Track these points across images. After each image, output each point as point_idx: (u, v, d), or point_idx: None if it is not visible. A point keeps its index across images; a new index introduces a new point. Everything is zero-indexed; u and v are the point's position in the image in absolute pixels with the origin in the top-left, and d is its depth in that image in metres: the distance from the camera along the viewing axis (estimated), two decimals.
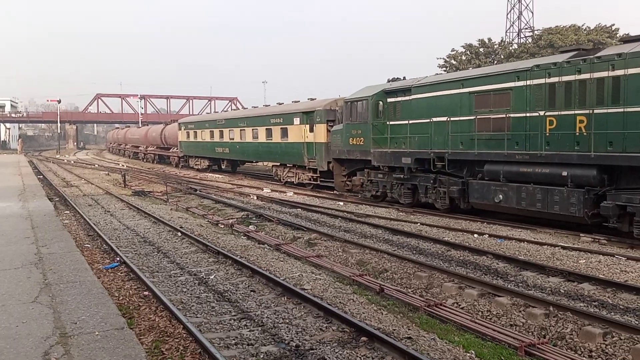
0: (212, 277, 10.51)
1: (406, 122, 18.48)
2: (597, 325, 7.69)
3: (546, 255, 11.71)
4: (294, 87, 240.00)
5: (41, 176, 36.14)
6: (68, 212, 19.74)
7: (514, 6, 64.92)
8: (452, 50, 55.74)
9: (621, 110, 12.36)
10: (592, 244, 12.93)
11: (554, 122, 13.84)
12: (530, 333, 7.91)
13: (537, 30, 58.58)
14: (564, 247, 12.24)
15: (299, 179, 27.36)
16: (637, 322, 7.86)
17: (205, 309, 8.61)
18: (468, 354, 6.79)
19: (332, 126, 23.79)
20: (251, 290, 9.57)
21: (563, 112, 13.61)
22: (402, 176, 18.91)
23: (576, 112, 13.32)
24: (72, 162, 55.77)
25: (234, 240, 14.14)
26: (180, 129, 44.20)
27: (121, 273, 10.80)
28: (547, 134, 13.95)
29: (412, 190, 19.03)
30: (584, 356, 7.11)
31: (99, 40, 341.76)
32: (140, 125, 73.93)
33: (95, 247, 13.38)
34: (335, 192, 23.95)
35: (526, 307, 8.61)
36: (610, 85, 12.64)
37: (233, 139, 34.57)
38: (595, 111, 12.81)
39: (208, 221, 17.75)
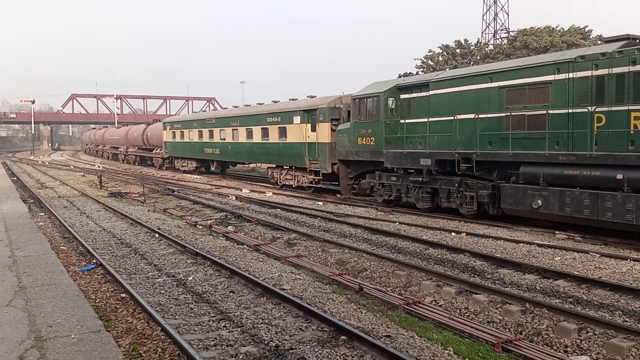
0: (190, 278, 10.44)
1: (423, 120, 17.14)
2: (572, 321, 7.81)
3: (522, 252, 11.88)
4: (272, 88, 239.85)
5: (15, 178, 35.52)
6: (43, 214, 19.43)
7: (489, 8, 65.77)
8: (429, 51, 56.26)
9: None
10: (567, 241, 13.15)
11: (603, 119, 12.50)
12: (507, 329, 8.00)
13: (512, 31, 59.38)
14: (539, 245, 12.42)
15: (298, 181, 25.59)
16: (611, 318, 8.01)
17: (184, 311, 8.55)
18: (446, 351, 6.85)
19: (336, 125, 22.15)
20: (230, 291, 9.53)
21: (614, 108, 12.29)
22: (420, 179, 17.42)
23: (630, 107, 12.02)
24: (47, 163, 54.89)
25: (213, 241, 14.06)
26: (165, 129, 41.91)
27: (98, 275, 10.67)
28: (596, 132, 12.58)
29: (432, 194, 17.59)
30: (559, 351, 7.22)
31: (74, 41, 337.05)
32: (120, 126, 72.16)
33: (71, 250, 13.18)
34: (337, 196, 22.70)
35: (503, 304, 8.72)
36: None
37: (224, 139, 32.54)
38: None
39: (186, 222, 17.62)
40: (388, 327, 7.65)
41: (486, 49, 57.14)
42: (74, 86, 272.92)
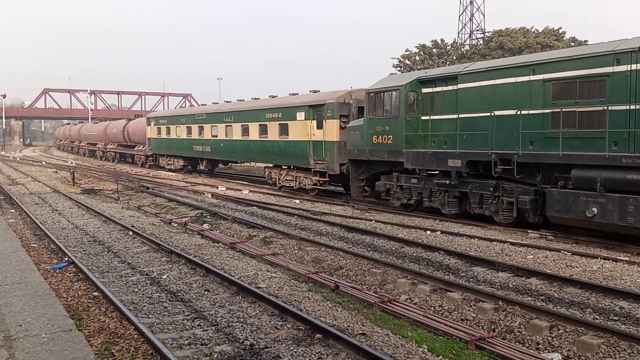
0: (164, 276, 10.33)
1: (450, 116, 15.57)
2: (544, 318, 7.93)
3: (496, 251, 12.03)
4: (249, 85, 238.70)
5: None
6: (13, 210, 19.04)
7: (465, 8, 66.47)
8: (406, 51, 56.62)
9: None
10: (540, 240, 13.34)
11: None
12: (480, 327, 8.09)
13: (488, 32, 60.12)
14: (512, 243, 12.59)
15: (300, 183, 23.27)
16: (581, 315, 8.16)
17: (158, 310, 8.45)
18: (421, 349, 6.90)
19: (345, 122, 20.32)
20: (205, 290, 9.45)
21: None
22: (447, 182, 15.62)
23: None
24: (18, 159, 53.75)
25: (188, 239, 13.93)
26: (149, 124, 38.76)
27: (70, 273, 10.49)
28: None
29: (460, 198, 15.91)
30: (531, 349, 7.33)
31: (46, 34, 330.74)
32: (97, 121, 70.25)
33: (42, 247, 12.94)
34: (343, 199, 21.20)
35: (476, 301, 8.82)
36: None
37: (216, 135, 29.83)
38: None
39: (161, 220, 17.43)
40: (363, 325, 7.68)
41: (462, 49, 57.76)
42: (47, 81, 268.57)
